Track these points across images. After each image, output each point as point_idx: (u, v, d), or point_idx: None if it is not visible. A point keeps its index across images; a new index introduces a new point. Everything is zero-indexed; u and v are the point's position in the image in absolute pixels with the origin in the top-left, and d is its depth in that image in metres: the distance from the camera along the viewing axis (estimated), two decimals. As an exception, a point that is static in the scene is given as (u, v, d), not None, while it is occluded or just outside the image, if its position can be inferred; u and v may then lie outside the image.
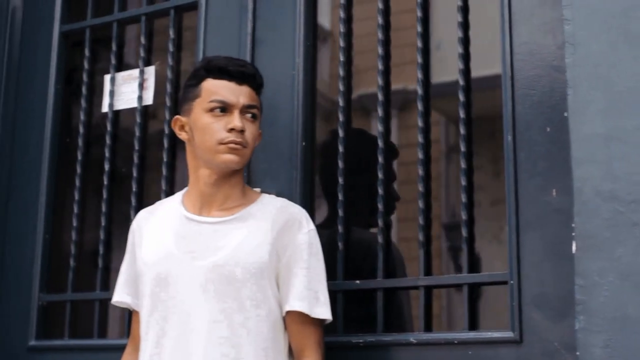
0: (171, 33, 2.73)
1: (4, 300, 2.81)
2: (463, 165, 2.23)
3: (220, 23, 2.62)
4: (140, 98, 2.74)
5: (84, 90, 2.86)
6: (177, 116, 2.15)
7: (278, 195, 2.37)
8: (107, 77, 2.85)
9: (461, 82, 2.27)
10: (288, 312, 2.03)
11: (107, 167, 2.75)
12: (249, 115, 2.09)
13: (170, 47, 2.72)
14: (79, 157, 2.82)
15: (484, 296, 2.52)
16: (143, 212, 2.23)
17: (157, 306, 2.04)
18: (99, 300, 2.66)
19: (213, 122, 2.05)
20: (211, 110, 2.06)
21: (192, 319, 2.00)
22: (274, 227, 2.05)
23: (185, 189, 2.20)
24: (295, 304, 2.02)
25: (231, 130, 2.04)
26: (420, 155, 2.27)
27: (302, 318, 2.03)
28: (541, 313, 2.04)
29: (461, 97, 2.26)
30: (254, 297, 2.01)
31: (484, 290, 2.48)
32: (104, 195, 2.74)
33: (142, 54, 2.78)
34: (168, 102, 2.65)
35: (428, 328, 2.19)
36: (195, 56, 2.62)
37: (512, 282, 2.07)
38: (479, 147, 2.41)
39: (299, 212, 2.11)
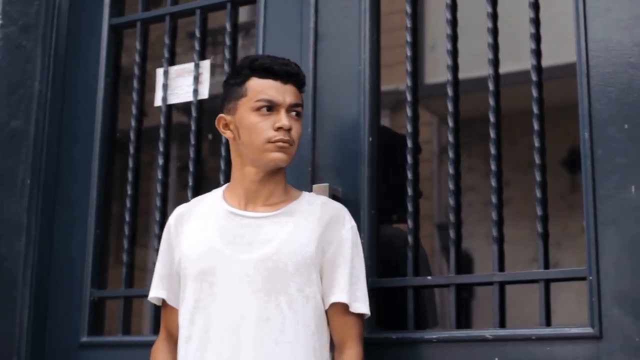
0: (228, 27, 2.73)
1: (54, 296, 2.80)
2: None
3: (281, 17, 2.63)
4: (195, 92, 2.74)
5: (135, 84, 2.86)
6: (221, 115, 2.16)
7: (345, 191, 2.39)
8: (159, 71, 2.85)
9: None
10: (332, 305, 2.06)
11: (161, 161, 2.75)
12: (293, 113, 2.12)
13: (227, 41, 2.73)
14: (132, 151, 2.82)
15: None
16: (181, 209, 2.23)
17: (201, 300, 2.06)
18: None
19: (260, 121, 2.08)
20: (258, 109, 2.08)
21: (240, 312, 2.02)
22: (319, 222, 2.09)
23: (224, 186, 2.23)
24: (340, 296, 2.05)
25: (278, 129, 2.07)
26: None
27: (345, 310, 2.06)
28: (621, 309, 2.06)
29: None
30: (302, 290, 2.03)
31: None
32: (158, 189, 2.73)
33: (196, 47, 2.78)
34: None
35: (502, 324, 2.21)
36: (256, 51, 2.63)
37: (590, 277, 2.09)
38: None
39: (342, 209, 2.16)
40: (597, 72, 2.19)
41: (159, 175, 2.75)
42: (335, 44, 2.53)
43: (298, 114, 2.13)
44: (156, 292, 2.20)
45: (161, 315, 2.24)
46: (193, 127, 2.72)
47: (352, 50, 2.49)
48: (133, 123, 2.83)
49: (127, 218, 2.78)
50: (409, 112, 2.42)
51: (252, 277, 2.03)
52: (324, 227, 2.08)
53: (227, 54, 2.72)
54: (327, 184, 2.37)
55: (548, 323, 2.17)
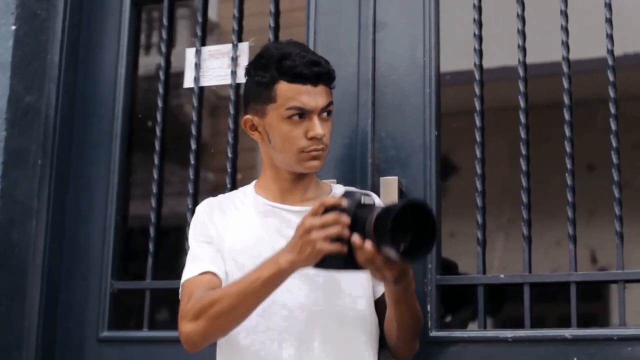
0: (272, 8, 2.66)
1: (68, 287, 2.63)
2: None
3: (336, 3, 2.57)
4: (234, 74, 2.64)
5: (162, 62, 2.74)
6: (248, 117, 2.06)
7: (409, 185, 2.37)
8: (189, 51, 2.74)
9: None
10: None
11: (194, 145, 2.63)
12: (325, 114, 2.02)
13: (272, 23, 2.65)
14: (158, 133, 2.69)
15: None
16: (213, 202, 2.11)
17: None
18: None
19: (292, 129, 1.99)
20: (289, 117, 1.99)
21: (294, 305, 1.95)
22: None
23: (252, 183, 2.14)
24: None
25: (311, 138, 1.99)
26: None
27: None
28: None
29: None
30: (353, 283, 1.99)
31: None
32: (191, 174, 2.61)
33: (235, 27, 2.69)
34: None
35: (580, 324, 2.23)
36: (306, 39, 2.55)
37: (677, 279, 2.16)
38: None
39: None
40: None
41: (192, 160, 2.64)
42: (397, 34, 2.49)
43: (329, 113, 2.04)
44: (208, 266, 2.01)
45: (190, 288, 1.99)
46: (232, 112, 2.62)
47: (416, 41, 2.46)
48: (160, 103, 2.71)
49: (153, 204, 2.65)
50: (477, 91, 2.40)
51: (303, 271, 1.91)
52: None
53: (271, 37, 2.64)
54: (396, 177, 2.33)
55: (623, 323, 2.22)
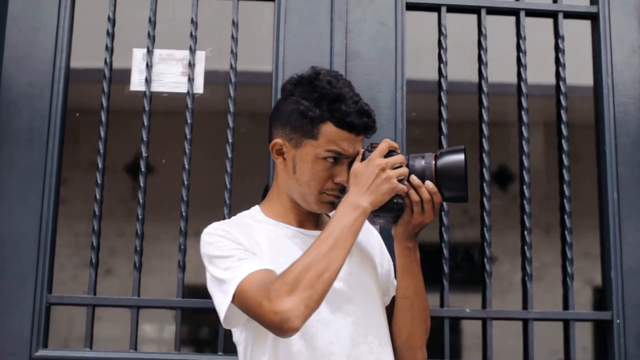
0: (234, 18, 2.62)
1: (1, 301, 2.41)
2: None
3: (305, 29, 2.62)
4: (191, 81, 2.57)
5: (107, 57, 2.58)
6: (279, 141, 2.06)
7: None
8: (137, 51, 2.61)
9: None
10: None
11: (144, 152, 2.53)
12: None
13: (234, 33, 2.61)
14: (102, 134, 2.53)
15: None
16: (229, 224, 2.04)
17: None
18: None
19: (322, 170, 2.02)
20: (325, 158, 2.02)
21: (334, 324, 1.98)
22: (366, 231, 2.15)
23: (257, 208, 2.13)
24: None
25: (337, 183, 2.03)
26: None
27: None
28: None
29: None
30: (377, 297, 2.08)
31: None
32: (141, 182, 2.50)
33: (193, 32, 2.61)
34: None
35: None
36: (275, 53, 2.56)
37: (618, 321, 2.50)
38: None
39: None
40: (619, 138, 2.62)
41: (142, 167, 2.53)
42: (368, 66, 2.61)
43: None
44: (259, 264, 1.93)
45: (257, 280, 1.87)
46: (189, 121, 2.55)
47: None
48: (104, 102, 2.56)
49: (96, 211, 2.50)
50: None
51: (340, 292, 1.99)
52: (366, 233, 2.14)
53: (234, 48, 2.61)
54: None
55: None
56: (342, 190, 2.02)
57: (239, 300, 1.89)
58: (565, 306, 2.56)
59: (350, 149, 2.01)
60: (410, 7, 2.67)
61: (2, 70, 2.53)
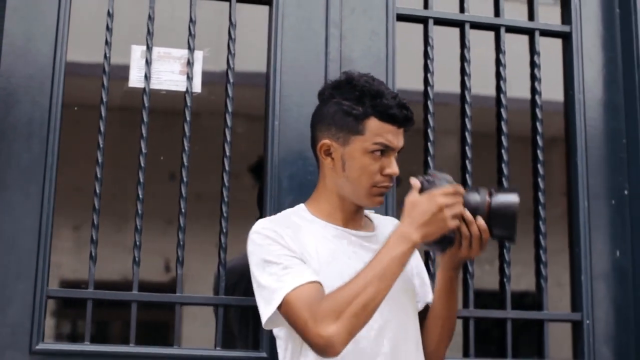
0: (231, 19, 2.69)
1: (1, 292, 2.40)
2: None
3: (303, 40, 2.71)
4: (190, 80, 2.63)
5: (107, 51, 2.60)
6: (326, 141, 2.17)
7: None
8: (136, 48, 2.65)
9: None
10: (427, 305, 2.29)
11: (144, 148, 2.57)
12: (396, 155, 2.19)
13: (232, 34, 2.68)
14: (102, 128, 2.55)
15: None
16: (279, 222, 2.15)
17: None
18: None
19: (372, 164, 2.14)
20: (372, 151, 2.14)
21: (384, 329, 2.09)
22: None
23: (302, 207, 2.23)
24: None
25: (387, 175, 2.16)
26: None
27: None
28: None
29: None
30: (414, 301, 2.23)
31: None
32: (141, 178, 2.54)
33: (192, 31, 2.66)
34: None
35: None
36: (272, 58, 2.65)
37: (588, 322, 2.70)
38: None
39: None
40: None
41: (142, 163, 2.56)
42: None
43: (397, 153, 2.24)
44: (311, 276, 2.01)
45: (304, 295, 1.98)
46: (188, 119, 2.61)
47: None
48: (104, 97, 2.58)
49: (96, 205, 2.52)
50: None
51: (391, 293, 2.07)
52: None
53: (232, 49, 2.68)
54: None
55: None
56: (392, 181, 2.15)
57: (284, 310, 2.00)
58: (539, 307, 2.76)
59: (395, 141, 2.15)
60: (400, 18, 2.81)
61: (0, 59, 2.53)
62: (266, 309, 2.02)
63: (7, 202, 2.46)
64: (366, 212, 2.31)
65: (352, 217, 2.21)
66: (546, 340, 2.71)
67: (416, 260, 2.30)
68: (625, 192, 2.82)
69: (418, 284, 2.29)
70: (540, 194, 2.80)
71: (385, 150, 2.14)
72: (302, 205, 2.25)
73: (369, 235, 2.20)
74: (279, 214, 2.24)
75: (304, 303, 1.96)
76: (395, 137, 2.15)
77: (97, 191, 2.52)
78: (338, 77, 2.26)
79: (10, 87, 2.52)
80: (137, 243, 2.53)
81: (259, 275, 2.06)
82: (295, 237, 2.09)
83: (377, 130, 2.13)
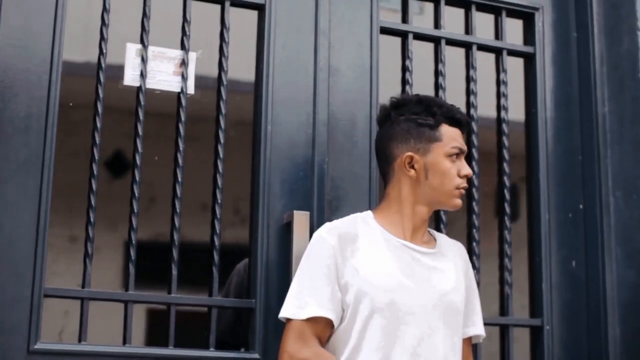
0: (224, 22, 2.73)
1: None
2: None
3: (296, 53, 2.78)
4: (184, 79, 2.66)
5: (103, 47, 2.59)
6: (410, 154, 2.34)
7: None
8: (131, 46, 2.64)
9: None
10: (469, 336, 2.45)
11: (140, 147, 2.57)
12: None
13: (226, 37, 2.72)
14: (99, 125, 2.54)
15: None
16: (339, 228, 2.32)
17: (389, 331, 2.23)
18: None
19: (452, 167, 2.35)
20: (450, 155, 2.35)
21: (427, 345, 2.26)
22: (462, 262, 2.45)
23: (368, 213, 2.40)
24: (479, 329, 2.46)
25: (464, 176, 2.38)
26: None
27: (470, 341, 2.47)
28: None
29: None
30: (461, 327, 2.39)
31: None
32: (137, 177, 2.55)
33: (187, 31, 2.69)
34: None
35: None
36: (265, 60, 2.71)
37: (547, 327, 2.91)
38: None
39: (464, 248, 2.52)
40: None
41: (138, 162, 2.57)
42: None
43: None
44: (324, 312, 2.23)
45: (304, 328, 2.23)
46: (183, 119, 2.64)
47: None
48: (100, 93, 2.57)
49: (92, 202, 2.51)
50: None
51: (434, 312, 2.27)
52: (463, 266, 2.43)
53: (225, 51, 2.72)
54: (307, 212, 2.61)
55: (504, 360, 2.90)
56: (468, 182, 2.36)
57: (285, 326, 2.28)
58: (503, 312, 2.94)
59: (464, 144, 2.38)
60: (383, 31, 2.92)
61: (-3, 51, 2.48)
62: (282, 310, 2.30)
63: (5, 197, 2.41)
64: (432, 230, 2.47)
65: (416, 231, 2.36)
66: (511, 345, 2.90)
67: (467, 290, 2.41)
68: (581, 206, 3.04)
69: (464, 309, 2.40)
70: (506, 204, 2.98)
71: (459, 153, 2.35)
72: (369, 212, 2.40)
73: (429, 252, 2.35)
74: (346, 218, 2.39)
75: (295, 335, 2.23)
76: (462, 140, 2.38)
77: (94, 188, 2.52)
78: (387, 102, 2.45)
79: (7, 79, 2.47)
80: (133, 242, 2.54)
81: (296, 275, 2.33)
82: (348, 249, 2.28)
83: (451, 134, 2.36)
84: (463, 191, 2.39)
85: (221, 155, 2.66)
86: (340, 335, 2.27)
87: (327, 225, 2.36)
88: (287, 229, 2.62)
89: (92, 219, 2.51)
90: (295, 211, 2.60)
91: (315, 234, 2.34)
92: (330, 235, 2.31)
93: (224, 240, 2.64)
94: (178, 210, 2.59)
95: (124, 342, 2.48)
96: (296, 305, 2.26)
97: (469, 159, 2.90)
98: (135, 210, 2.56)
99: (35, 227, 2.43)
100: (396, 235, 2.35)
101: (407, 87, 2.91)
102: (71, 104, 2.66)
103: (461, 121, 2.40)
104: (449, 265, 2.39)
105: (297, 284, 2.29)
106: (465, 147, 2.40)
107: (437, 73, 2.99)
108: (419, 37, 2.99)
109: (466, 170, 2.37)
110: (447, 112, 2.39)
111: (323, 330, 2.27)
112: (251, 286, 2.62)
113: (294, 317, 2.25)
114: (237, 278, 2.91)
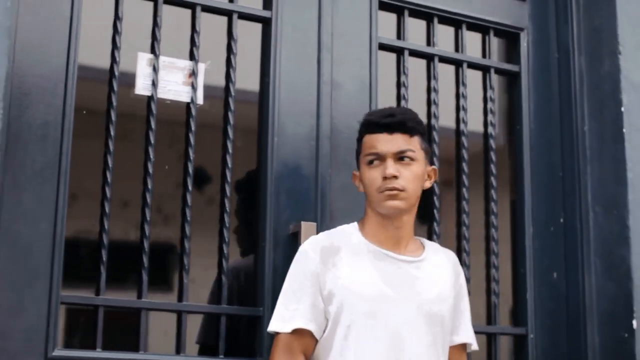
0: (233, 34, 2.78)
1: (14, 298, 2.36)
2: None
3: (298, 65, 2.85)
4: (194, 89, 2.71)
5: (116, 56, 2.61)
6: (355, 172, 2.49)
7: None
8: (142, 55, 2.68)
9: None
10: (457, 345, 2.51)
11: (152, 154, 2.61)
12: (405, 159, 2.39)
13: (234, 49, 2.78)
14: (112, 132, 2.57)
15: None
16: (321, 242, 2.40)
17: (367, 340, 2.30)
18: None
19: (372, 172, 2.40)
20: (369, 162, 2.40)
21: (410, 355, 2.32)
22: (452, 271, 2.51)
23: (354, 225, 2.47)
24: (467, 337, 2.52)
25: (385, 178, 2.37)
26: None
27: (463, 349, 2.55)
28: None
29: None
30: (446, 336, 2.45)
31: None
32: (149, 185, 2.58)
33: (196, 41, 2.74)
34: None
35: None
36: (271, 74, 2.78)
37: (532, 335, 3.05)
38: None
39: (455, 256, 2.59)
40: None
41: (150, 169, 2.61)
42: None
43: (411, 159, 2.40)
44: (305, 323, 2.31)
45: (290, 341, 2.31)
46: (193, 128, 2.68)
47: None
48: (113, 101, 2.60)
49: (107, 209, 2.54)
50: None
51: (417, 322, 2.35)
52: (453, 275, 2.49)
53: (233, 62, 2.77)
54: (314, 223, 2.71)
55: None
56: (394, 183, 2.35)
57: (274, 340, 2.37)
58: (489, 321, 3.07)
59: (385, 147, 2.40)
60: (382, 47, 3.02)
61: (14, 57, 2.48)
62: (270, 324, 2.39)
63: (21, 204, 2.42)
64: (422, 239, 2.54)
65: (396, 239, 2.42)
66: (498, 353, 3.03)
67: (456, 299, 2.48)
68: (561, 220, 3.19)
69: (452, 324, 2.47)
70: (493, 217, 3.11)
71: (378, 157, 2.39)
72: (355, 224, 2.47)
73: (413, 260, 2.41)
74: (332, 230, 2.48)
75: (283, 349, 2.33)
76: (384, 143, 2.39)
77: (108, 196, 2.55)
78: None
79: (25, 86, 2.48)
80: (146, 250, 2.58)
81: (282, 289, 2.41)
82: (331, 261, 2.35)
83: (369, 142, 2.42)
84: (389, 192, 2.37)
85: (229, 165, 2.73)
86: (323, 344, 2.35)
87: (311, 239, 2.44)
88: (293, 239, 2.69)
89: (106, 227, 2.54)
90: (302, 222, 2.68)
91: (299, 249, 2.42)
92: (313, 249, 2.38)
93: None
94: (189, 218, 2.64)
95: (138, 349, 2.52)
96: (281, 319, 2.35)
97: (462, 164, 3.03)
98: (148, 219, 2.59)
99: (52, 234, 2.44)
100: (379, 246, 2.41)
101: (403, 102, 3.01)
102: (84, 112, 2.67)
103: (380, 125, 2.41)
104: (435, 273, 2.45)
105: (282, 298, 2.38)
106: (386, 149, 2.38)
107: (430, 89, 3.10)
108: (415, 54, 3.09)
109: (387, 170, 2.36)
110: (367, 122, 2.46)
111: (310, 341, 2.35)
112: (258, 295, 2.69)
113: (280, 330, 2.34)
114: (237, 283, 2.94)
